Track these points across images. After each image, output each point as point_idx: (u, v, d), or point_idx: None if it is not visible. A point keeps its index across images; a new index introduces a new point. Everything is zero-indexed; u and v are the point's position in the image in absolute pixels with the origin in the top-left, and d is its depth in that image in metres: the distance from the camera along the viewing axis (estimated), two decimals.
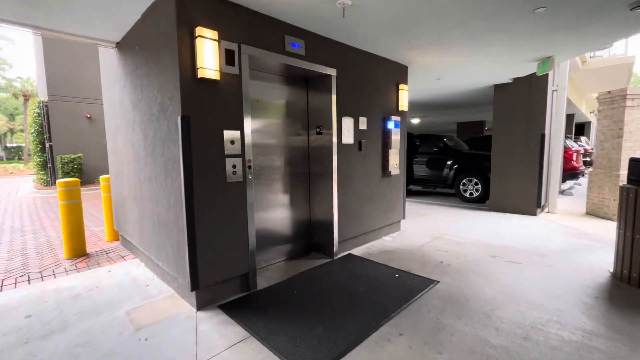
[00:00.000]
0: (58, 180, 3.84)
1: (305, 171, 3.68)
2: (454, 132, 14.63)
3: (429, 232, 4.63)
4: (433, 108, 9.54)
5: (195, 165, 2.34)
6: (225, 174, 2.52)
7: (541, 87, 5.33)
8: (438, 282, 2.90)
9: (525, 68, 4.76)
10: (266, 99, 3.24)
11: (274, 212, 3.40)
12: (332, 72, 3.35)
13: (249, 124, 2.67)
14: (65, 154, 10.43)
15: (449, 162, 7.56)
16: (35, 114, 10.40)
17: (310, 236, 3.79)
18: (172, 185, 2.48)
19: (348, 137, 3.61)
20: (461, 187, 7.28)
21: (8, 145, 37.67)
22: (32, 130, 10.38)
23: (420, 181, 8.08)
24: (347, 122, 3.59)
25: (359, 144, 3.77)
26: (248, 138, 2.67)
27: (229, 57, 2.48)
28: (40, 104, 10.44)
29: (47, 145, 10.49)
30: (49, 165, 10.55)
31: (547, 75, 5.21)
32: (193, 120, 2.32)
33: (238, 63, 2.55)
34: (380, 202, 4.19)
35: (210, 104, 2.41)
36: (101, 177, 4.62)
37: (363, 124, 3.80)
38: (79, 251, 3.95)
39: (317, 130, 3.55)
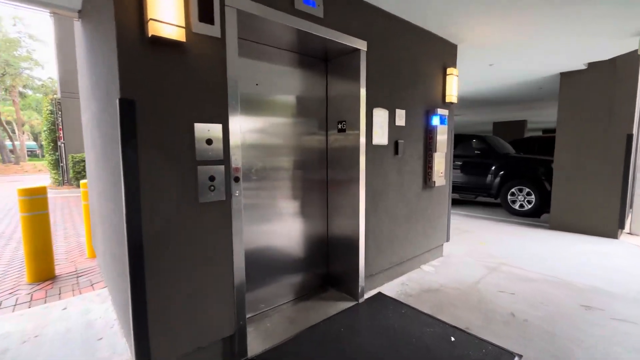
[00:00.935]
0: (17, 188, 3.12)
1: (322, 179, 2.75)
2: (489, 133, 13.24)
3: (480, 258, 3.59)
4: (471, 104, 8.36)
5: (145, 178, 1.48)
6: (197, 190, 1.65)
7: (630, 74, 4.14)
8: (520, 357, 1.90)
9: (618, 45, 3.61)
10: (269, 84, 2.34)
11: (279, 233, 2.50)
12: (361, 45, 2.41)
13: (237, 116, 1.78)
14: (77, 153, 10.06)
15: (493, 167, 6.41)
16: (47, 112, 10.09)
17: (327, 264, 2.86)
18: (119, 205, 1.63)
19: (381, 136, 2.66)
20: (509, 197, 6.12)
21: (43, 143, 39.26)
22: (45, 128, 10.09)
23: (457, 188, 6.96)
24: (380, 116, 2.63)
25: (394, 145, 2.81)
26: (235, 136, 1.78)
27: (204, 9, 1.60)
28: (53, 101, 10.13)
29: (59, 143, 10.16)
30: (61, 164, 10.22)
31: (638, 58, 4.02)
32: (141, 106, 1.45)
33: (220, 20, 1.67)
34: (420, 221, 3.20)
35: (172, 82, 1.54)
36: (82, 181, 3.90)
37: (400, 118, 2.84)
38: (44, 274, 3.23)
39: (339, 126, 2.62)
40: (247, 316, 2.29)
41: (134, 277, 1.47)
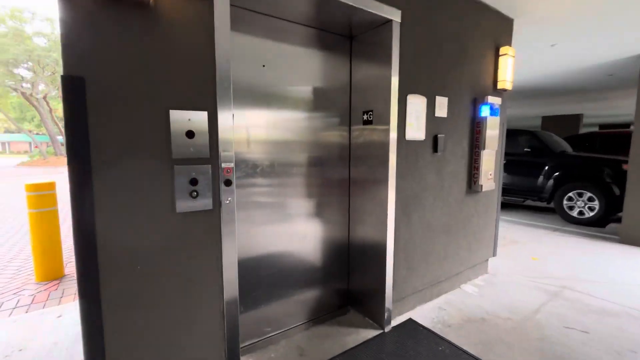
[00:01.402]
0: (25, 183, 2.99)
1: (343, 180, 2.31)
2: (537, 129, 11.96)
3: (535, 278, 2.97)
4: (517, 96, 7.44)
5: (101, 180, 1.13)
6: (174, 196, 1.28)
7: None
8: None
9: None
10: (280, 66, 1.92)
11: (290, 239, 2.09)
12: (393, 15, 1.93)
13: (229, 103, 1.39)
14: None
15: (546, 168, 5.58)
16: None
17: (347, 279, 2.43)
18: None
19: (416, 130, 2.16)
20: (565, 202, 5.28)
21: None
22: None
23: (502, 190, 6.17)
24: (416, 105, 2.13)
25: (433, 140, 2.30)
26: (227, 127, 1.39)
27: None
28: None
29: None
30: None
31: None
32: (94, 87, 1.10)
33: None
34: (462, 232, 2.66)
35: (138, 56, 1.18)
36: None
37: (441, 108, 2.31)
38: (53, 273, 3.09)
39: (365, 117, 2.16)
40: (248, 343, 1.92)
41: (86, 309, 1.13)
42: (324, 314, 2.30)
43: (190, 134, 1.29)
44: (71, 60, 1.06)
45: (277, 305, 2.07)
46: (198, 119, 1.31)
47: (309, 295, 2.23)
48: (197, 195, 1.33)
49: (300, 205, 2.07)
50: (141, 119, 1.19)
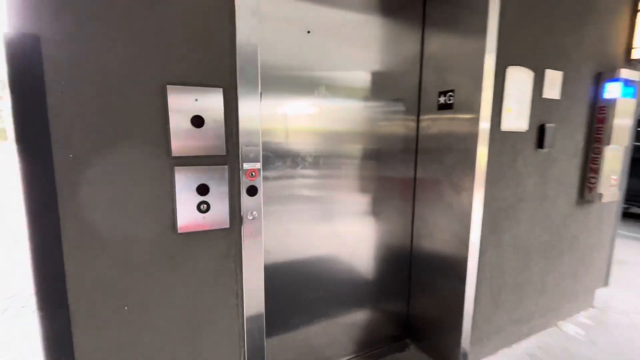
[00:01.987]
0: None
1: (406, 180, 1.78)
2: None
3: None
4: None
5: (67, 188, 0.78)
6: (174, 209, 0.90)
7: None
8: None
9: None
10: (326, 34, 1.44)
11: (333, 245, 1.63)
12: None
13: (254, 74, 0.96)
14: None
15: None
16: None
17: (407, 302, 1.91)
18: None
19: (516, 117, 1.55)
20: None
21: None
22: None
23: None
24: (518, 82, 1.52)
25: (538, 132, 1.66)
26: (251, 111, 0.97)
27: None
28: None
29: None
30: None
31: None
32: (55, 50, 0.74)
33: None
34: (566, 256, 1.98)
35: (119, 7, 0.79)
36: None
37: (552, 86, 1.65)
38: None
39: (442, 100, 1.60)
40: None
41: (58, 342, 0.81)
42: (375, 348, 1.83)
43: (197, 120, 0.89)
44: (18, 10, 0.70)
45: (314, 331, 1.65)
46: (209, 99, 0.90)
47: (357, 320, 1.77)
48: (208, 208, 0.94)
49: (349, 206, 1.60)
50: (125, 99, 0.81)
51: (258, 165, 1.00)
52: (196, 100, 0.88)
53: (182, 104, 0.87)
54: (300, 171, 1.40)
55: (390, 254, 1.80)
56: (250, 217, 1.00)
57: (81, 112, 0.78)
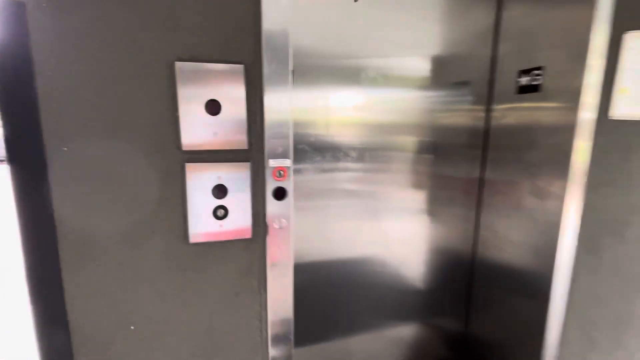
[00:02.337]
0: None
1: (469, 180, 1.45)
2: None
3: None
4: None
5: (60, 187, 0.66)
6: (185, 215, 0.74)
7: None
8: None
9: None
10: (377, 6, 1.18)
11: (378, 246, 1.39)
12: None
13: (285, 47, 0.76)
14: None
15: None
16: None
17: (465, 318, 1.60)
18: None
19: (633, 101, 1.16)
20: None
21: None
22: None
23: None
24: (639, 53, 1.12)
25: None
26: (281, 98, 0.77)
27: None
28: None
29: None
30: None
31: None
32: (39, 17, 0.61)
33: None
34: None
35: None
36: None
37: None
38: None
39: (525, 81, 1.25)
40: None
41: None
42: None
43: (213, 106, 0.72)
44: None
45: (352, 346, 1.42)
46: (227, 79, 0.72)
47: (403, 335, 1.50)
48: (226, 214, 0.77)
49: (398, 206, 1.33)
50: (126, 79, 0.66)
51: (288, 162, 0.80)
52: (215, 76, 0.71)
53: (194, 85, 0.70)
54: (342, 167, 1.18)
55: (445, 262, 1.50)
56: (278, 226, 0.82)
57: (75, 96, 0.64)
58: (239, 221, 0.79)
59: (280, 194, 0.80)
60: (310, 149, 1.08)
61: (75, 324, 0.72)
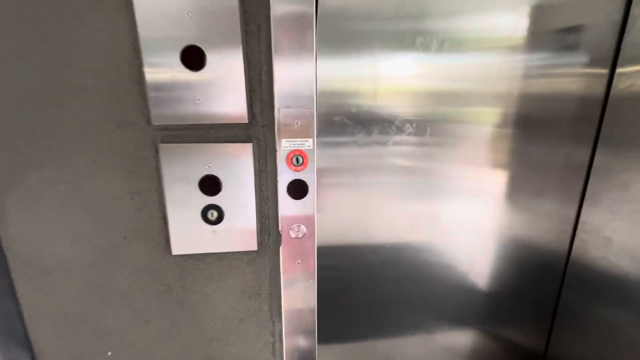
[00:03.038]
0: None
1: (567, 164, 1.04)
2: None
3: None
4: None
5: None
6: (165, 219, 0.52)
7: None
8: None
9: None
10: None
11: (434, 238, 1.10)
12: None
13: None
14: None
15: None
16: None
17: (545, 337, 1.23)
18: None
19: None
20: None
21: None
22: None
23: None
24: None
25: None
26: (297, 53, 0.49)
27: None
28: None
29: None
30: None
31: None
32: None
33: None
34: None
35: None
36: None
37: None
38: None
39: None
40: None
41: None
42: None
43: (193, 56, 0.47)
44: None
45: (394, 349, 1.18)
46: (211, 15, 0.46)
47: (460, 343, 1.22)
48: (220, 217, 0.54)
49: (468, 188, 1.01)
50: (64, 17, 0.44)
51: (309, 142, 0.53)
52: (189, 14, 0.45)
53: (162, 25, 0.45)
54: (394, 141, 0.88)
55: (525, 263, 1.14)
56: (295, 235, 0.57)
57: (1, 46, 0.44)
58: (239, 227, 0.55)
59: (298, 189, 0.55)
60: (352, 122, 0.80)
61: (39, 347, 0.56)
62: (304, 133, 0.53)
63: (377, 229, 0.80)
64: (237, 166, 0.53)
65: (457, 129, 0.86)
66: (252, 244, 0.57)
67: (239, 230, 0.56)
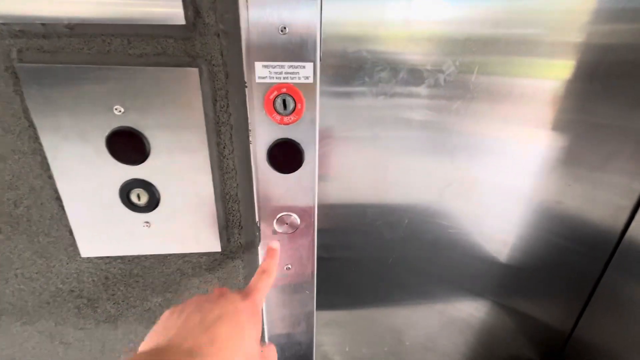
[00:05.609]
0: None
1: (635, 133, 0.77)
2: None
3: None
4: None
5: None
6: (59, 197, 0.30)
7: None
8: None
9: None
10: None
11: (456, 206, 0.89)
12: None
13: None
14: None
15: None
16: None
17: (574, 319, 1.05)
18: None
19: None
20: None
21: None
22: None
23: None
24: None
25: None
26: None
27: None
28: None
29: None
30: None
31: None
32: None
33: None
34: None
35: None
36: None
37: None
38: None
39: None
40: None
41: None
42: None
43: None
44: None
45: (401, 319, 1.03)
46: None
47: (472, 316, 1.06)
48: (154, 200, 0.31)
49: (505, 149, 0.77)
50: None
51: (306, 70, 0.28)
52: None
53: None
54: (419, 93, 0.61)
55: (569, 238, 0.93)
56: (282, 229, 0.35)
57: None
58: (189, 216, 0.33)
59: (286, 156, 0.31)
60: (371, 61, 0.53)
61: None
62: (297, 50, 0.28)
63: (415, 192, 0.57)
64: (172, 111, 0.29)
65: (502, 82, 0.57)
66: (212, 243, 0.35)
67: (188, 222, 0.34)
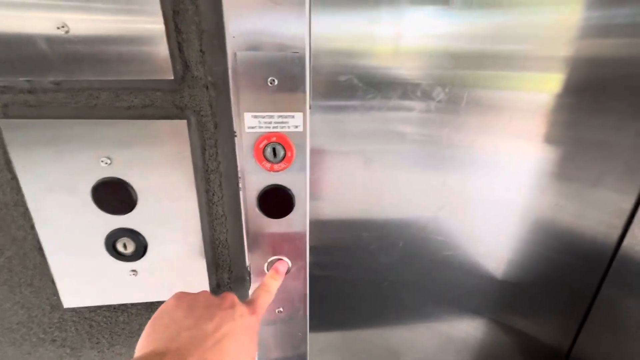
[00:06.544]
0: None
1: (633, 151, 0.79)
2: None
3: None
4: None
5: None
6: (40, 246, 0.29)
7: None
8: None
9: None
10: None
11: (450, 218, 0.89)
12: None
13: None
14: None
15: None
16: None
17: (573, 335, 1.04)
18: None
19: None
20: None
21: None
22: None
23: None
24: None
25: None
26: None
27: None
28: None
29: None
30: None
31: None
32: None
33: None
34: None
35: None
36: None
37: None
38: None
39: None
40: None
41: None
42: None
43: None
44: None
45: (399, 339, 1.01)
46: None
47: (468, 334, 1.05)
48: (141, 248, 0.31)
49: (497, 162, 0.78)
50: None
51: (296, 119, 0.28)
52: None
53: None
54: (413, 107, 0.62)
55: (563, 253, 0.93)
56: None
57: None
58: (177, 262, 0.32)
59: (277, 202, 0.31)
60: (364, 86, 0.53)
61: None
62: (286, 101, 0.28)
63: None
64: (160, 160, 0.29)
65: (495, 98, 0.58)
66: (201, 288, 0.34)
67: (176, 268, 0.33)
